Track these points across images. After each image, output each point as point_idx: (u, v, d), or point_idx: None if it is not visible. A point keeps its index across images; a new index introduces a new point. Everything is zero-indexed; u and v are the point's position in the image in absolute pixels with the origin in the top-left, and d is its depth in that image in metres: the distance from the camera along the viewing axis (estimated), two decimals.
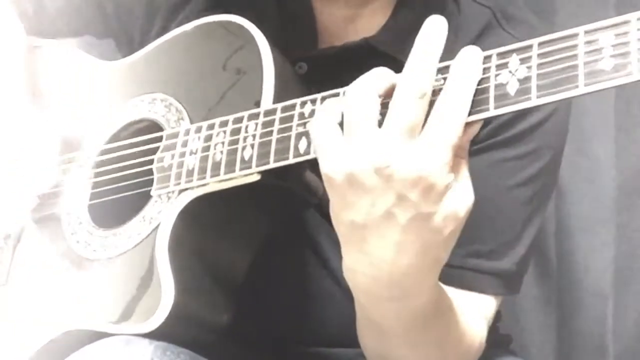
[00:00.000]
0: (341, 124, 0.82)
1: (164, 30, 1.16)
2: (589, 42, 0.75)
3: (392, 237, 0.81)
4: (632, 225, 1.56)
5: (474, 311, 1.05)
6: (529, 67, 0.78)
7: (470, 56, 0.80)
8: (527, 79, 0.77)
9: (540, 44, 0.78)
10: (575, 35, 0.76)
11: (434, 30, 0.80)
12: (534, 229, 1.12)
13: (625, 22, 0.73)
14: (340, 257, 1.11)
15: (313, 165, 1.01)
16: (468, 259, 1.06)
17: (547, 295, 1.59)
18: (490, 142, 1.06)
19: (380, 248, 0.83)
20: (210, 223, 1.02)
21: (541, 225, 1.17)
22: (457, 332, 1.00)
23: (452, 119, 0.78)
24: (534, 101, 0.77)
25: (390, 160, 0.78)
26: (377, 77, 0.82)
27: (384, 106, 0.81)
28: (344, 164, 0.80)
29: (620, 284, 1.55)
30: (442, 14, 1.08)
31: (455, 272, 1.01)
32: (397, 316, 0.91)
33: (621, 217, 1.55)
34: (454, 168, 0.81)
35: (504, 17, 1.08)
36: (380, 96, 0.81)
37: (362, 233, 0.83)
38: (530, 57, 0.78)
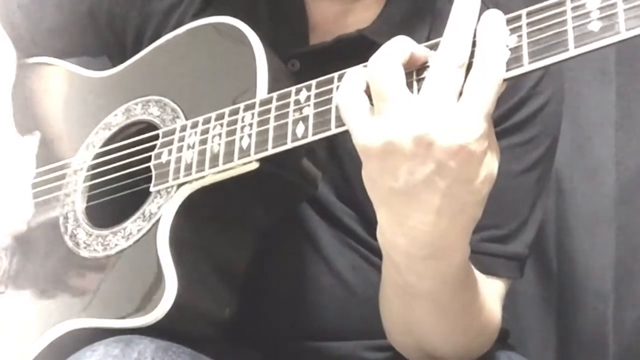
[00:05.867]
0: (367, 94, 0.83)
1: (156, 36, 1.16)
2: (576, 7, 0.77)
3: (432, 202, 0.82)
4: (632, 225, 1.55)
5: (492, 292, 1.07)
6: (520, 36, 0.79)
7: (493, 20, 0.81)
8: (518, 47, 0.79)
9: (529, 14, 0.80)
10: (562, 2, 0.78)
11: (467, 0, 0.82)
12: (540, 212, 1.16)
13: None
14: (339, 252, 1.12)
15: (309, 152, 1.03)
16: (485, 243, 1.08)
17: (547, 295, 1.58)
18: (497, 130, 1.07)
19: (420, 212, 0.84)
20: (210, 216, 1.03)
21: (542, 222, 1.20)
22: (480, 302, 1.01)
23: (488, 86, 0.79)
24: (526, 67, 0.79)
25: (429, 128, 0.79)
26: (398, 47, 0.83)
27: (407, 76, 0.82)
28: (381, 133, 0.81)
29: (620, 284, 1.54)
30: (434, 3, 1.11)
31: (473, 257, 1.01)
32: (431, 276, 0.92)
33: (621, 217, 1.55)
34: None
35: (493, 3, 1.10)
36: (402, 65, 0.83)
37: (401, 199, 0.84)
38: (520, 27, 0.80)
